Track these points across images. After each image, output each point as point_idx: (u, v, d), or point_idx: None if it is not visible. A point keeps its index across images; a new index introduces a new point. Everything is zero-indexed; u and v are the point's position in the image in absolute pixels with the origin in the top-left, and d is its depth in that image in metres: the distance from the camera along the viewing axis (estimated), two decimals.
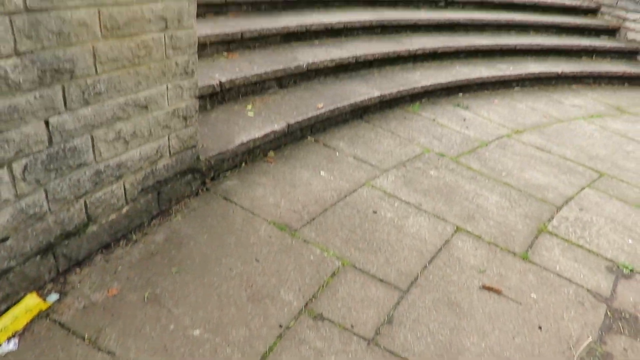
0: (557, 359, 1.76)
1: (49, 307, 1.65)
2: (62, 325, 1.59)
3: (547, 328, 1.89)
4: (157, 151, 2.03)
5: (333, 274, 1.98)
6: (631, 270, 2.29)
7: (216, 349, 1.59)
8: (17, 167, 1.49)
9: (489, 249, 2.29)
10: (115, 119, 1.78)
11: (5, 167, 1.46)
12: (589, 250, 2.39)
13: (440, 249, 2.23)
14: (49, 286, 1.73)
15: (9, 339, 1.52)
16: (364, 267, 2.04)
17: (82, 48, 1.57)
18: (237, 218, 2.23)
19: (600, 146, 3.73)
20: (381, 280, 1.99)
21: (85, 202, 1.78)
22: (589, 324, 1.94)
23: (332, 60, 3.63)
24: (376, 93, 3.54)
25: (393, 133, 3.37)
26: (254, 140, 2.64)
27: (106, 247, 1.94)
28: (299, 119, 2.94)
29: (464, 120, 3.81)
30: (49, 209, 1.65)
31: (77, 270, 1.82)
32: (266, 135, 2.72)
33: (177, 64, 1.97)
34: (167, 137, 2.06)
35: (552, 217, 2.63)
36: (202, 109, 2.81)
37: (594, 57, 5.74)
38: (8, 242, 1.54)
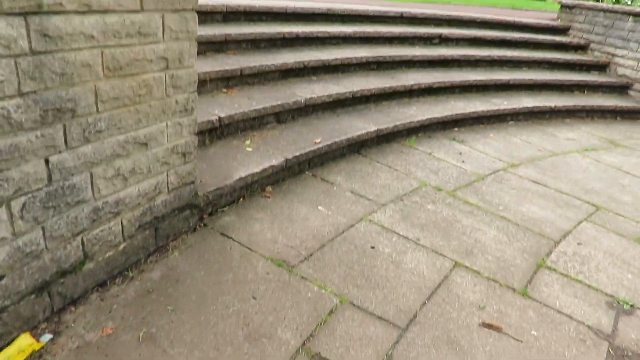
0: None
1: (42, 348, 1.62)
2: None
3: None
4: (155, 187, 2.04)
5: (331, 312, 1.96)
6: (632, 306, 2.27)
7: None
8: (16, 205, 1.49)
9: (488, 285, 2.27)
10: (115, 156, 1.80)
11: (4, 206, 1.46)
12: (589, 286, 2.37)
13: (439, 285, 2.22)
14: (43, 325, 1.70)
15: None
16: (362, 305, 2.02)
17: (84, 88, 1.60)
18: (235, 254, 2.22)
19: (596, 179, 3.76)
20: (380, 318, 1.96)
21: (82, 240, 1.78)
22: None
23: (329, 96, 3.70)
24: (373, 128, 3.59)
25: (390, 167, 3.40)
26: (252, 175, 2.66)
27: (102, 284, 1.92)
28: (297, 153, 2.97)
29: (460, 154, 3.85)
30: (46, 247, 1.64)
31: (72, 308, 1.79)
32: (264, 170, 2.73)
33: (177, 102, 2.01)
34: (165, 174, 2.08)
35: (551, 252, 2.63)
36: (201, 144, 2.84)
37: (585, 92, 5.87)
38: (3, 281, 1.53)
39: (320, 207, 2.72)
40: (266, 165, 2.75)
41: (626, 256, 2.70)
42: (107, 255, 1.91)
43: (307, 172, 3.12)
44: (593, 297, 2.29)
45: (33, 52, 1.40)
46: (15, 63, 1.37)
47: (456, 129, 4.40)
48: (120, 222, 1.92)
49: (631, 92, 6.05)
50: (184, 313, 1.84)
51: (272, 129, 3.29)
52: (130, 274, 2.00)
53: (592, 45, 6.40)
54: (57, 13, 1.43)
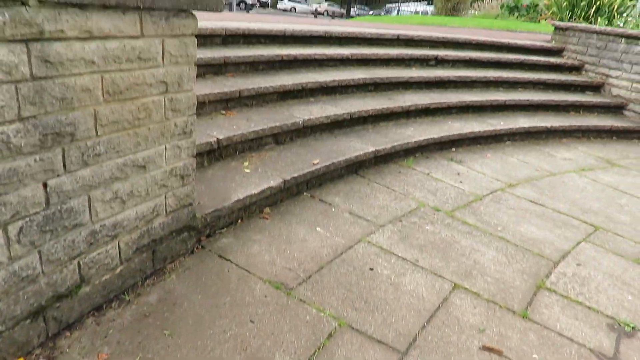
0: None
1: None
2: None
3: None
4: (153, 210, 2.04)
5: (330, 335, 1.94)
6: (633, 328, 2.25)
7: None
8: (13, 229, 1.49)
9: (487, 307, 2.25)
10: (113, 179, 1.80)
11: (1, 230, 1.45)
12: (589, 307, 2.36)
13: (438, 308, 2.20)
14: (38, 351, 1.67)
15: None
16: (361, 328, 2.00)
17: (84, 112, 1.61)
18: (232, 277, 2.20)
19: (594, 199, 3.77)
20: (379, 342, 1.94)
21: (79, 263, 1.77)
22: None
23: (327, 117, 3.73)
24: (371, 148, 3.61)
25: (388, 188, 3.41)
26: (250, 196, 2.66)
27: (98, 308, 1.90)
28: (295, 175, 2.98)
29: (458, 174, 3.86)
30: (42, 271, 1.63)
31: (67, 333, 1.77)
32: (262, 192, 2.74)
33: (176, 124, 2.02)
34: (164, 196, 2.08)
35: (550, 273, 2.61)
36: (200, 165, 2.85)
37: (581, 112, 5.93)
38: None
39: (318, 229, 2.72)
40: (264, 186, 2.76)
41: (626, 277, 2.68)
42: (103, 278, 1.90)
43: (305, 193, 3.12)
44: (594, 319, 2.27)
45: (34, 78, 1.42)
46: (16, 88, 1.38)
47: (454, 149, 4.43)
48: (117, 245, 1.92)
49: (626, 112, 6.11)
50: (180, 337, 1.82)
51: (270, 150, 3.31)
52: (127, 298, 1.98)
53: (586, 66, 6.50)
54: (58, 40, 1.45)
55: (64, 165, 1.60)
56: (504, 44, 6.40)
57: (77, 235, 1.72)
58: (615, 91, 6.19)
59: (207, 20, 4.28)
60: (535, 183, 3.94)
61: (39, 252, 1.60)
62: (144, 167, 1.93)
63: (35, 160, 1.49)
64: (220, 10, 1.97)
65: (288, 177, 2.91)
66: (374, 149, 3.61)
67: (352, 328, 1.99)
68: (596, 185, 4.09)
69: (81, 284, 1.80)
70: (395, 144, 3.82)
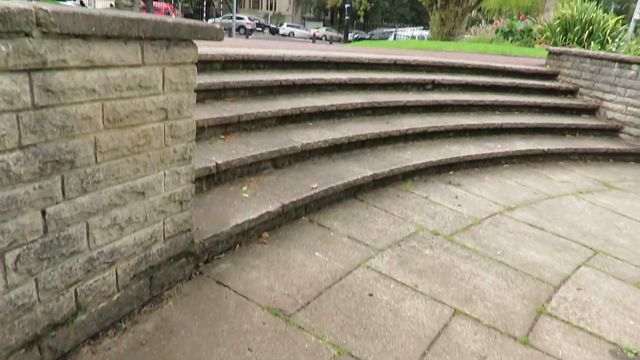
0: None
1: None
2: None
3: None
4: (151, 236, 2.03)
5: None
6: (636, 354, 2.22)
7: None
8: (10, 257, 1.48)
9: (488, 333, 2.23)
10: (112, 205, 1.80)
11: None
12: (591, 333, 2.33)
13: (438, 334, 2.17)
14: None
15: None
16: (361, 356, 1.97)
17: (84, 140, 1.62)
18: (230, 303, 2.18)
19: (592, 222, 3.77)
20: None
21: (75, 291, 1.75)
22: None
23: (325, 141, 3.75)
24: (369, 172, 3.62)
25: (387, 212, 3.41)
26: (249, 221, 2.65)
27: (94, 337, 1.88)
28: (294, 199, 2.98)
29: (456, 197, 3.87)
30: (39, 299, 1.61)
31: None
32: (261, 216, 2.73)
33: (175, 151, 2.04)
34: (162, 222, 2.07)
35: (551, 298, 2.59)
36: (198, 190, 2.85)
37: (577, 135, 5.98)
38: None
39: (317, 253, 2.70)
40: (263, 211, 2.76)
41: (627, 302, 2.66)
42: (100, 306, 1.88)
43: (303, 218, 3.12)
44: (596, 345, 2.25)
45: (35, 107, 1.44)
46: (17, 117, 1.40)
47: (451, 172, 4.45)
48: (114, 272, 1.90)
49: (621, 135, 6.17)
50: None
51: (269, 175, 3.32)
52: (123, 326, 1.96)
53: (580, 89, 6.58)
54: (60, 69, 1.47)
55: (63, 193, 1.60)
56: (500, 68, 6.50)
57: (75, 262, 1.71)
58: (610, 114, 6.26)
59: (207, 47, 4.35)
60: (533, 206, 3.94)
61: (36, 280, 1.59)
62: (143, 193, 1.93)
63: (34, 188, 1.50)
64: (221, 40, 2.01)
65: (286, 202, 2.92)
66: (372, 173, 3.63)
67: (352, 356, 1.96)
68: (594, 208, 4.09)
69: (77, 312, 1.78)
70: (394, 167, 3.84)
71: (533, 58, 8.63)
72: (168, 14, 31.97)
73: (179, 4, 41.19)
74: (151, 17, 1.71)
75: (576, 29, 9.64)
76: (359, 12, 34.22)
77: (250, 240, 2.74)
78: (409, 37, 29.45)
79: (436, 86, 5.65)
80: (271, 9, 51.30)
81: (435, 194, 3.86)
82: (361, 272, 2.59)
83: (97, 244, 1.79)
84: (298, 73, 4.64)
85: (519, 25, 12.76)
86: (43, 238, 1.57)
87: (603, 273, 2.96)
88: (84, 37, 1.51)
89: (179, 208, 2.14)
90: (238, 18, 33.68)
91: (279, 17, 45.77)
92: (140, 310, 2.06)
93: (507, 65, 6.63)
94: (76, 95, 1.55)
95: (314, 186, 3.19)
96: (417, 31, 31.51)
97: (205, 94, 3.70)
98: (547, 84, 6.63)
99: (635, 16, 15.08)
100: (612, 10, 11.58)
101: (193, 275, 2.35)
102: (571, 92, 6.66)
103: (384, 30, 37.29)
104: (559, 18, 10.15)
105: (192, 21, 1.89)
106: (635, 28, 14.91)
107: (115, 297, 1.94)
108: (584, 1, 10.73)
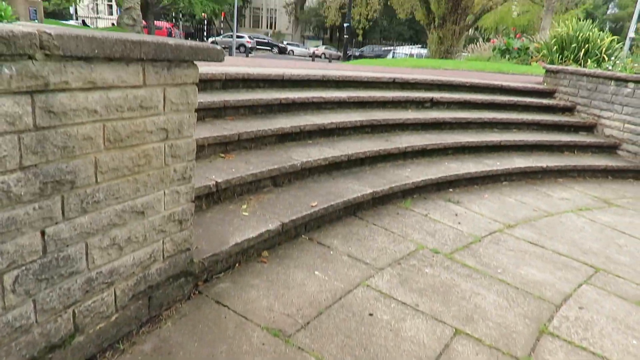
0: None
1: None
2: None
3: None
4: (150, 256, 2.03)
5: None
6: None
7: None
8: (8, 278, 1.47)
9: (490, 354, 2.20)
10: (112, 225, 1.80)
11: None
12: (594, 353, 2.31)
13: (440, 355, 2.15)
14: None
15: None
16: None
17: (85, 160, 1.63)
18: (230, 324, 2.16)
19: (593, 240, 3.76)
20: None
21: (73, 312, 1.74)
22: None
23: (325, 159, 3.77)
24: (368, 190, 3.63)
25: (387, 230, 3.40)
26: (248, 240, 2.65)
27: (91, 359, 1.85)
28: (293, 217, 2.98)
29: (456, 215, 3.87)
30: (36, 321, 1.60)
31: None
32: (260, 235, 2.73)
33: (175, 170, 2.04)
34: (161, 241, 2.07)
35: (552, 317, 2.57)
36: (198, 209, 2.85)
37: (575, 152, 6.00)
38: None
39: (316, 272, 2.69)
40: (262, 230, 2.75)
41: (629, 321, 2.64)
42: (98, 327, 1.86)
43: (303, 236, 3.11)
44: None
45: (37, 128, 1.45)
46: (19, 138, 1.40)
47: (451, 190, 4.45)
48: (113, 293, 1.89)
49: (620, 152, 6.19)
50: None
51: (268, 193, 3.32)
52: (121, 347, 1.94)
53: (578, 107, 6.63)
54: (62, 91, 1.49)
55: (63, 213, 1.60)
56: (497, 86, 6.56)
57: (73, 283, 1.70)
58: (608, 131, 6.29)
59: (208, 66, 4.40)
60: (533, 223, 3.94)
61: (34, 302, 1.58)
62: (143, 212, 1.93)
63: (34, 209, 1.50)
64: (221, 61, 2.03)
65: (286, 220, 2.91)
66: (371, 191, 3.63)
67: None
68: (594, 226, 4.09)
69: (75, 334, 1.77)
70: (393, 185, 3.84)
71: (530, 76, 8.71)
72: (170, 33, 32.37)
73: (180, 23, 41.76)
74: (153, 39, 1.73)
75: (572, 46, 9.76)
76: (357, 31, 34.70)
77: (250, 259, 2.73)
78: (407, 55, 29.80)
79: (435, 104, 5.69)
80: (271, 27, 52.00)
81: (435, 212, 3.86)
82: (361, 291, 2.57)
83: (96, 264, 1.78)
84: (297, 91, 4.68)
85: (516, 44, 12.92)
86: (42, 259, 1.57)
87: (605, 291, 2.94)
88: (87, 59, 1.53)
89: (178, 227, 2.14)
90: (238, 37, 34.11)
91: (279, 35, 46.37)
92: (139, 331, 2.04)
93: (505, 83, 6.69)
94: (78, 116, 1.56)
95: (314, 204, 3.19)
96: (415, 49, 31.89)
97: (206, 113, 3.73)
98: (545, 101, 6.68)
99: (630, 34, 15.29)
100: (607, 29, 11.75)
101: (192, 295, 2.33)
102: (569, 110, 6.71)
103: (375, 47, 37.67)
104: (555, 36, 10.29)
105: (193, 43, 1.92)
106: (631, 46, 15.11)
107: (113, 318, 1.92)
108: (580, 20, 10.89)
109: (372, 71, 6.71)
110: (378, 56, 32.02)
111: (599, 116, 6.39)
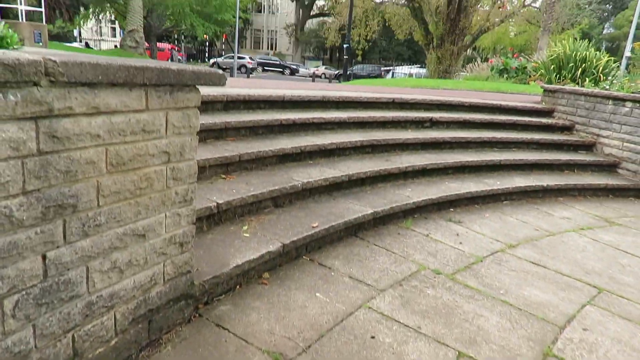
0: None
1: None
2: None
3: None
4: (151, 279, 2.02)
5: None
6: None
7: None
8: (8, 303, 1.47)
9: None
10: (113, 249, 1.80)
11: None
12: None
13: None
14: None
15: None
16: None
17: (87, 184, 1.64)
18: (230, 347, 2.14)
19: (595, 259, 3.74)
20: None
21: (73, 336, 1.72)
22: None
23: (325, 180, 3.78)
24: (369, 210, 3.63)
25: (388, 250, 3.39)
26: (249, 262, 2.64)
27: None
28: (294, 238, 2.97)
29: (457, 235, 3.86)
30: (35, 346, 1.59)
31: None
32: (261, 257, 2.72)
33: (176, 193, 2.05)
34: (162, 264, 2.06)
35: (556, 339, 2.54)
36: (199, 230, 2.85)
37: (575, 171, 6.01)
38: None
39: (318, 294, 2.67)
40: (263, 251, 2.74)
41: (634, 342, 2.61)
42: (97, 352, 1.84)
43: (304, 257, 3.10)
44: None
45: (40, 153, 1.46)
46: (22, 163, 1.42)
47: (452, 209, 4.45)
48: (113, 316, 1.88)
49: (620, 171, 6.21)
50: None
51: (269, 214, 3.32)
52: None
53: (577, 126, 6.67)
54: (66, 116, 1.51)
55: (64, 237, 1.60)
56: (496, 106, 6.61)
57: (73, 307, 1.69)
58: (607, 150, 6.32)
59: (210, 88, 4.44)
60: (535, 243, 3.92)
61: (34, 326, 1.57)
62: (144, 235, 1.93)
63: (35, 233, 1.50)
64: (223, 85, 2.06)
65: (287, 242, 2.91)
66: (372, 211, 3.63)
67: None
68: (596, 245, 4.07)
69: (74, 359, 1.75)
70: (394, 205, 3.85)
71: (528, 95, 8.79)
72: (172, 57, 32.79)
73: (182, 44, 42.36)
74: (156, 65, 1.76)
75: (570, 66, 9.87)
76: (357, 51, 35.19)
77: (251, 280, 2.71)
78: (406, 74, 30.11)
79: (434, 124, 5.73)
80: (272, 48, 52.73)
81: (436, 232, 3.85)
82: (363, 313, 2.55)
83: (97, 287, 1.77)
84: (298, 112, 4.72)
85: (514, 63, 13.07)
86: (42, 283, 1.56)
87: (609, 312, 2.91)
88: (91, 85, 1.56)
89: (179, 250, 2.14)
90: (239, 57, 34.56)
91: (280, 56, 46.96)
92: (138, 355, 2.02)
93: (504, 103, 6.75)
94: (81, 141, 1.57)
95: (315, 225, 3.19)
96: (414, 69, 32.25)
97: (207, 134, 3.76)
98: (544, 120, 6.73)
99: (627, 54, 15.48)
100: (603, 48, 11.90)
101: (192, 317, 2.32)
102: (567, 129, 6.75)
103: (365, 66, 37.98)
104: (552, 56, 10.41)
105: (195, 68, 1.95)
106: (627, 65, 15.28)
107: (113, 342, 1.90)
108: (576, 40, 11.04)
109: (372, 91, 6.77)
110: (368, 75, 32.42)
111: (597, 135, 6.42)
